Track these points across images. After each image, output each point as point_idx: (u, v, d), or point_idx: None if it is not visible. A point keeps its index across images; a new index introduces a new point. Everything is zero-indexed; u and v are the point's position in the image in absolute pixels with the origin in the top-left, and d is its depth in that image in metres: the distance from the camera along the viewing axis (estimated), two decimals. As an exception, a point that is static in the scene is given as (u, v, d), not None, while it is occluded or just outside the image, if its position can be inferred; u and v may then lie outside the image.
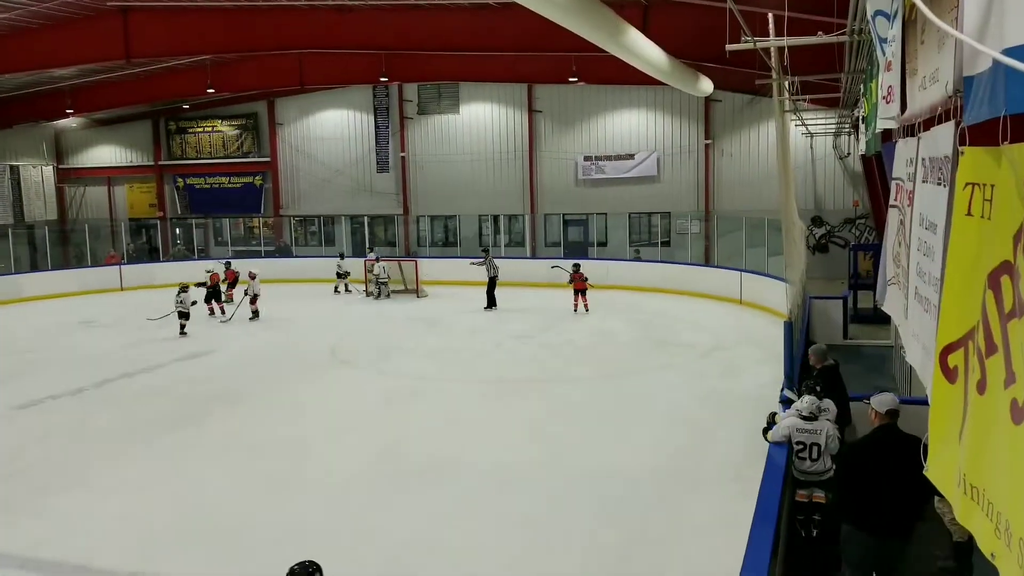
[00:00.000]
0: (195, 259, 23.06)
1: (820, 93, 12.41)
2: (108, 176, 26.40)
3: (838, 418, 5.42)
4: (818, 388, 5.28)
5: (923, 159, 2.73)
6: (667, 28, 11.29)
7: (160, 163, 26.00)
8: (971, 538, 2.35)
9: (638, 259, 20.48)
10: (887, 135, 5.52)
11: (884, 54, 3.37)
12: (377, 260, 18.71)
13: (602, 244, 21.97)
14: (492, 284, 16.06)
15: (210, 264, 17.87)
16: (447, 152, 23.72)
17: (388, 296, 18.37)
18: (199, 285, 16.61)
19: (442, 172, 23.76)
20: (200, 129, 26.01)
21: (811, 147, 19.73)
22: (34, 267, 22.19)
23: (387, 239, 25.04)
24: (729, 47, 7.02)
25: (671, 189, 21.71)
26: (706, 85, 13.64)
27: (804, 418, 5.05)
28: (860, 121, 10.35)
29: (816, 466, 5.00)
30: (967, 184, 1.77)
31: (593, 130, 22.22)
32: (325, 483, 6.68)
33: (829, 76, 9.90)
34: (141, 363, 11.38)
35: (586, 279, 14.76)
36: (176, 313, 13.48)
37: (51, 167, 25.83)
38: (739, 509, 4.71)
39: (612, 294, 17.92)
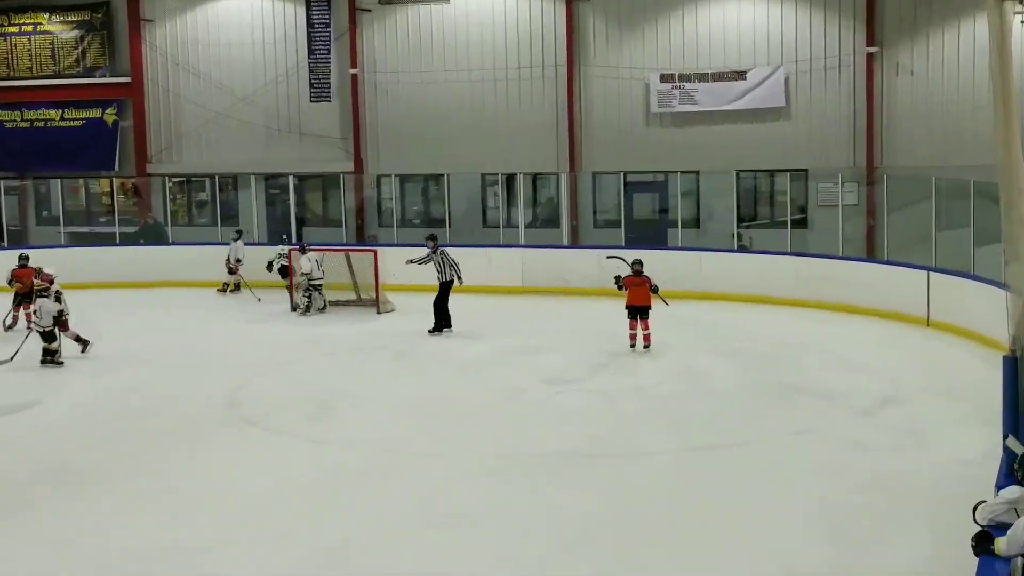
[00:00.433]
0: (2, 247, 23.34)
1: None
2: None
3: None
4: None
5: None
6: None
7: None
8: None
9: (748, 249, 20.69)
10: None
11: None
12: (304, 250, 18.94)
13: (691, 224, 22.04)
14: (444, 293, 16.42)
15: (39, 255, 18.09)
16: (429, 68, 23.98)
17: (323, 309, 18.68)
18: (10, 283, 16.78)
19: (421, 102, 24.05)
20: (13, 29, 26.32)
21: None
22: None
23: (327, 215, 25.35)
24: None
25: (808, 130, 21.84)
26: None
27: None
28: None
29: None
30: None
31: (675, 32, 22.41)
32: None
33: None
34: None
35: (654, 287, 14.62)
36: None
37: None
38: None
39: (706, 308, 18.03)
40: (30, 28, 26.09)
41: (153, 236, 24.77)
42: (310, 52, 24.33)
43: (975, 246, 16.00)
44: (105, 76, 25.89)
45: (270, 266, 20.31)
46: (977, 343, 14.51)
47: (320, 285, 18.66)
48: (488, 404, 12.38)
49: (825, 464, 9.86)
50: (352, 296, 19.41)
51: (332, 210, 25.16)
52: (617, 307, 15.23)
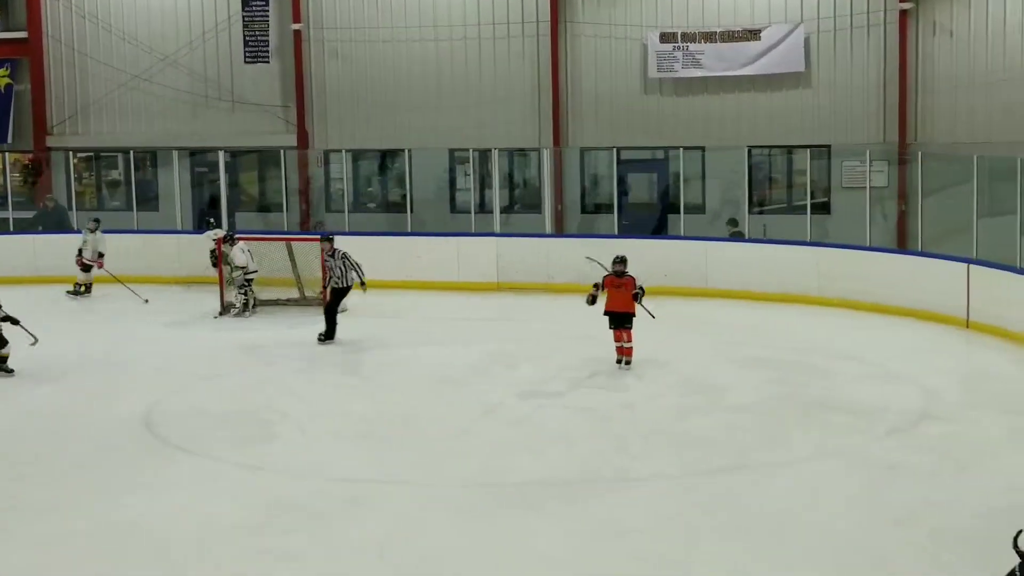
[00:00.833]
0: None
1: None
2: None
3: None
4: None
5: None
6: None
7: None
8: None
9: (762, 239, 20.70)
10: None
11: None
12: (232, 241, 18.74)
13: (695, 209, 22.04)
14: (338, 299, 16.45)
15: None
16: (387, 24, 23.93)
17: (252, 310, 18.47)
18: None
19: (378, 65, 24.06)
20: None
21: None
22: None
23: (265, 197, 25.38)
24: None
25: (831, 100, 22.03)
26: None
27: None
28: None
29: None
30: None
31: (678, -16, 22.48)
32: None
33: None
34: None
35: (638, 290, 14.20)
36: None
37: None
38: None
39: (713, 307, 18.06)
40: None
41: (53, 222, 24.36)
42: (244, 4, 24.21)
43: (1022, 235, 16.11)
44: (-5, 30, 25.54)
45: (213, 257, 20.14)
46: (1027, 349, 14.68)
47: (250, 281, 18.55)
48: (457, 424, 12.28)
49: (855, 493, 9.85)
50: (294, 294, 19.21)
51: (271, 192, 25.00)
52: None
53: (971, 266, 16.58)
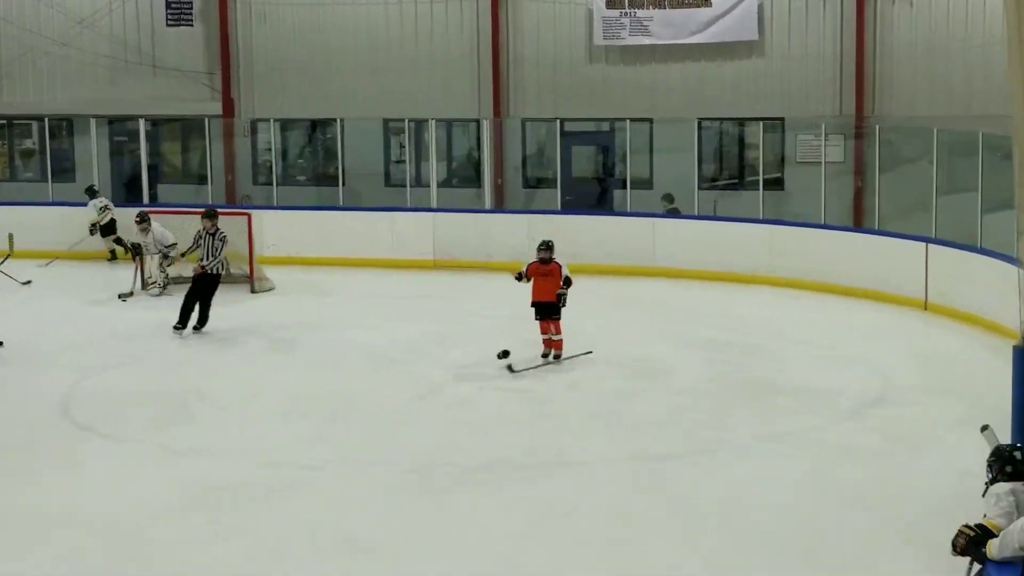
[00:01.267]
0: None
1: None
2: None
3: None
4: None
5: None
6: None
7: None
8: None
9: (714, 217, 20.70)
10: None
11: None
12: (145, 221, 18.43)
13: (642, 183, 22.10)
14: (210, 287, 15.74)
15: None
16: (318, -15, 23.87)
17: (165, 286, 18.27)
18: None
19: (308, 29, 23.94)
20: None
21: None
22: None
23: (188, 168, 25.21)
24: None
25: (786, 70, 22.08)
26: None
27: None
28: None
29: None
30: None
31: (625, -53, 22.50)
32: None
33: None
34: None
35: (565, 281, 13.82)
36: None
37: None
38: None
39: (661, 287, 18.14)
40: None
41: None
42: (166, -39, 24.02)
43: (983, 213, 16.23)
44: None
45: (93, 228, 20.20)
46: (983, 329, 14.81)
47: (166, 254, 18.40)
48: (391, 406, 12.33)
49: (803, 476, 9.97)
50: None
51: (194, 163, 24.84)
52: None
53: (930, 245, 16.72)
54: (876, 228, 18.81)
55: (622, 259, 18.89)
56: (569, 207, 21.31)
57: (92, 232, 20.50)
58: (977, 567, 5.98)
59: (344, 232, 20.30)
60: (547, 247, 13.91)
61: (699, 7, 22.14)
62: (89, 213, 20.70)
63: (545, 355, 14.06)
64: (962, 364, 13.80)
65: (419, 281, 19.40)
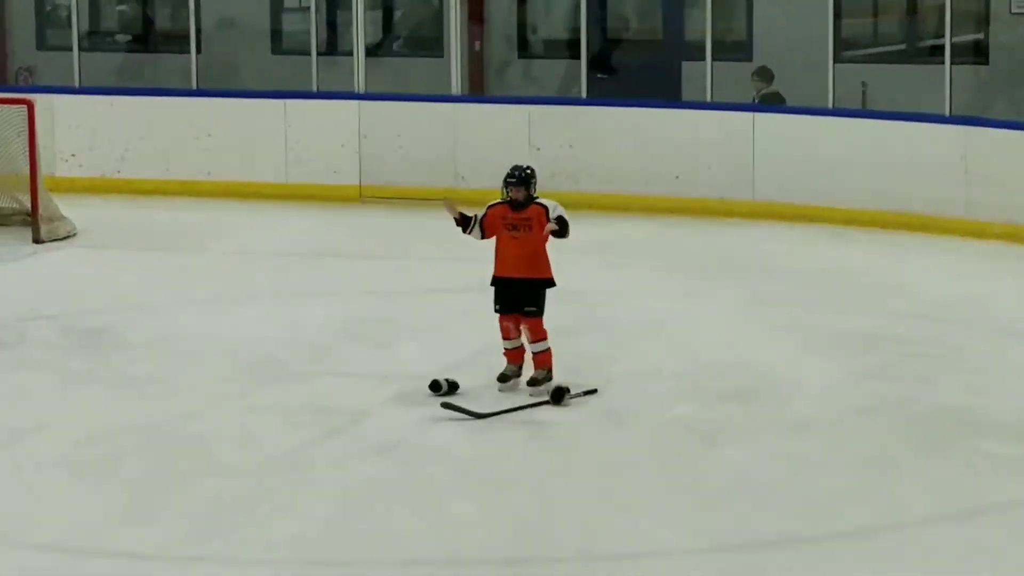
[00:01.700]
0: None
1: None
2: None
3: None
4: None
5: None
6: None
7: None
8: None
9: (860, 112, 17.04)
10: None
11: None
12: None
13: (734, 49, 18.26)
14: None
15: None
16: None
17: None
18: None
19: None
20: None
21: None
22: None
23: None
24: None
25: None
26: None
27: None
28: None
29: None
30: None
31: None
32: None
33: None
34: None
35: (557, 221, 11.55)
36: None
37: None
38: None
39: (762, 235, 15.55)
40: None
41: None
42: None
43: None
44: None
45: None
46: None
47: None
48: (274, 457, 9.78)
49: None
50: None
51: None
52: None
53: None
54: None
55: (696, 188, 15.60)
56: (602, 94, 17.43)
57: None
58: None
59: (202, 136, 17.21)
60: (520, 178, 11.49)
61: None
62: None
63: (504, 377, 11.32)
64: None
65: (334, 225, 16.76)
